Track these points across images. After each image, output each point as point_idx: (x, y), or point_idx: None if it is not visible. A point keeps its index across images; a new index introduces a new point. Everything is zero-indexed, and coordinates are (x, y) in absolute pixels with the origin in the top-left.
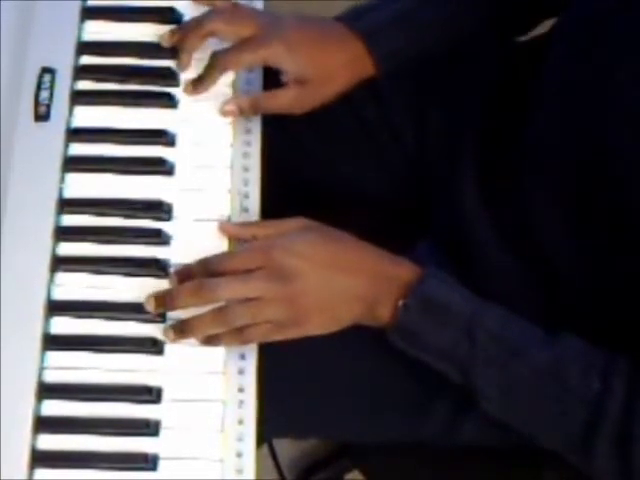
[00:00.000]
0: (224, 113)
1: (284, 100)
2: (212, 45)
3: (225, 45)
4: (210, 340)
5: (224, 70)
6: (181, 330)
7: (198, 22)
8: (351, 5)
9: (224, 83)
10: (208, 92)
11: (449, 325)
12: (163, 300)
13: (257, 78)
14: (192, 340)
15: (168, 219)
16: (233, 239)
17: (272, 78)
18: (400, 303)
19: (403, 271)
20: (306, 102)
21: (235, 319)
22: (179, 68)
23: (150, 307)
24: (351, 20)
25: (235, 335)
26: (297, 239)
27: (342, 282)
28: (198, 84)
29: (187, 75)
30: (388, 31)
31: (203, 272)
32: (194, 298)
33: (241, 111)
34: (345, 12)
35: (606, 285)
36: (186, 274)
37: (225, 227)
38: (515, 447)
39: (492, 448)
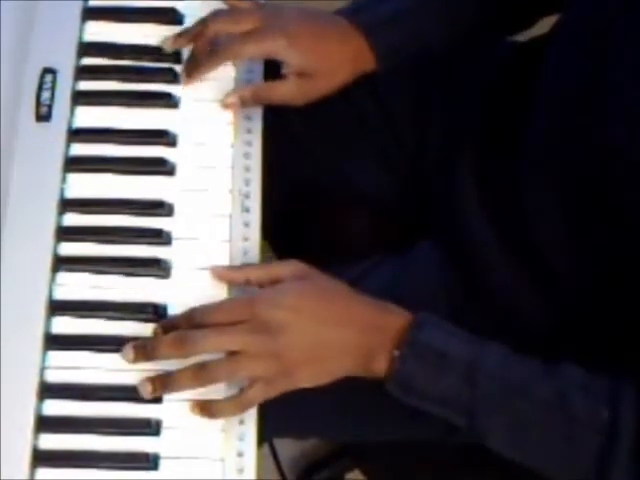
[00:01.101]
0: (226, 106)
1: (285, 91)
2: None
3: None
4: (208, 412)
5: (224, 60)
6: (162, 385)
7: (202, 25)
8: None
9: (225, 78)
10: (210, 92)
11: (448, 371)
12: (143, 350)
13: (257, 72)
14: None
15: (169, 219)
16: (227, 284)
17: (272, 70)
18: (395, 354)
19: (395, 320)
20: (307, 94)
21: (216, 373)
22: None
23: (129, 357)
24: (352, 14)
25: (232, 403)
26: (286, 291)
27: (331, 336)
28: (194, 71)
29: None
30: (389, 25)
31: (187, 324)
32: (174, 349)
33: (243, 102)
34: (346, 6)
35: (606, 285)
36: (170, 326)
37: (218, 272)
38: None
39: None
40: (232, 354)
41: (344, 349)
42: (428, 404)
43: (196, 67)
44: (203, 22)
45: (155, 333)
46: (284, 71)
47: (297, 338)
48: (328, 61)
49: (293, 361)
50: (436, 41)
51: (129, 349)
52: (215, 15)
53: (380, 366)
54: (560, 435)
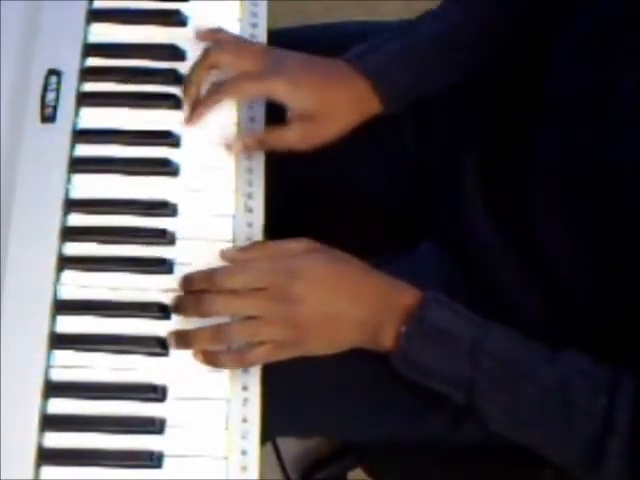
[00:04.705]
0: (229, 151)
1: (290, 137)
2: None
3: None
4: (211, 360)
5: (223, 98)
6: (181, 340)
7: (204, 53)
8: (351, 4)
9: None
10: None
11: (452, 350)
12: (173, 309)
13: (260, 108)
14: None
15: (173, 219)
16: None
17: (276, 113)
18: (402, 330)
19: (405, 297)
20: (312, 139)
21: (233, 336)
22: (186, 100)
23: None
24: (355, 59)
25: (235, 356)
26: (302, 261)
27: (344, 307)
28: (193, 111)
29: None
30: (393, 70)
31: (207, 284)
32: (194, 311)
33: (247, 149)
34: (349, 51)
35: (606, 285)
36: (190, 282)
37: (227, 254)
38: (516, 445)
39: (493, 446)
40: (249, 318)
41: (356, 322)
42: (430, 380)
43: (196, 106)
44: (204, 53)
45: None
46: (288, 115)
47: (313, 308)
48: (330, 105)
49: (306, 330)
50: (442, 82)
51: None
52: (220, 46)
53: (387, 340)
54: (558, 418)
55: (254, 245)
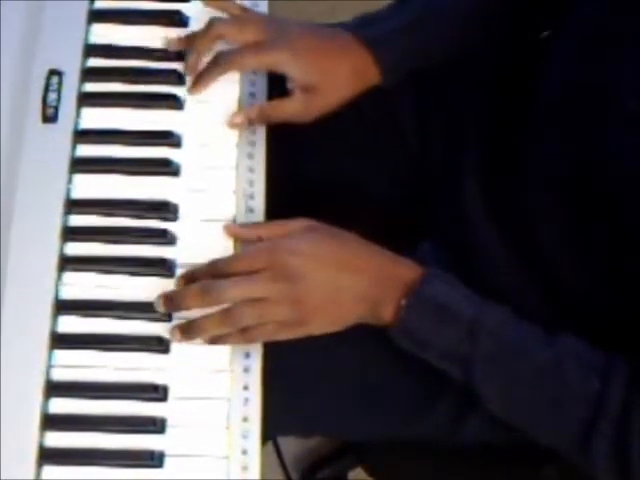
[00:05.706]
0: (232, 125)
1: (291, 108)
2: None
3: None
4: (215, 340)
5: (226, 70)
6: (187, 330)
7: (208, 25)
8: (354, 4)
9: (230, 80)
10: (214, 94)
11: (450, 325)
12: (170, 301)
13: (261, 82)
14: (197, 339)
15: (174, 219)
16: (238, 240)
17: (277, 88)
18: (402, 303)
19: (406, 271)
20: (313, 109)
21: (241, 320)
22: (187, 69)
23: (159, 307)
24: (357, 28)
25: (240, 335)
26: (301, 239)
27: (346, 282)
28: (197, 81)
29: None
30: (394, 41)
31: (209, 274)
32: (200, 300)
33: (250, 122)
34: (351, 21)
35: (606, 285)
36: (192, 277)
37: (230, 228)
38: (516, 444)
39: (493, 445)
40: (255, 300)
41: (357, 296)
42: (428, 354)
43: (199, 77)
44: (208, 25)
45: (178, 285)
46: (289, 86)
47: (315, 284)
48: (331, 75)
49: (310, 307)
50: (439, 55)
51: (159, 299)
52: (221, 19)
53: (387, 314)
54: (550, 399)
55: (256, 224)
